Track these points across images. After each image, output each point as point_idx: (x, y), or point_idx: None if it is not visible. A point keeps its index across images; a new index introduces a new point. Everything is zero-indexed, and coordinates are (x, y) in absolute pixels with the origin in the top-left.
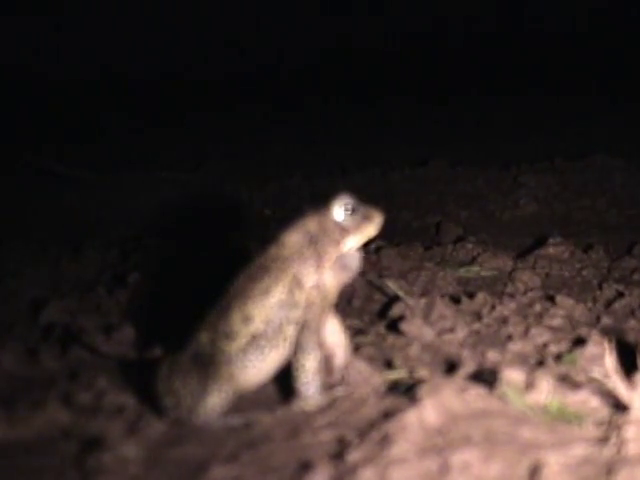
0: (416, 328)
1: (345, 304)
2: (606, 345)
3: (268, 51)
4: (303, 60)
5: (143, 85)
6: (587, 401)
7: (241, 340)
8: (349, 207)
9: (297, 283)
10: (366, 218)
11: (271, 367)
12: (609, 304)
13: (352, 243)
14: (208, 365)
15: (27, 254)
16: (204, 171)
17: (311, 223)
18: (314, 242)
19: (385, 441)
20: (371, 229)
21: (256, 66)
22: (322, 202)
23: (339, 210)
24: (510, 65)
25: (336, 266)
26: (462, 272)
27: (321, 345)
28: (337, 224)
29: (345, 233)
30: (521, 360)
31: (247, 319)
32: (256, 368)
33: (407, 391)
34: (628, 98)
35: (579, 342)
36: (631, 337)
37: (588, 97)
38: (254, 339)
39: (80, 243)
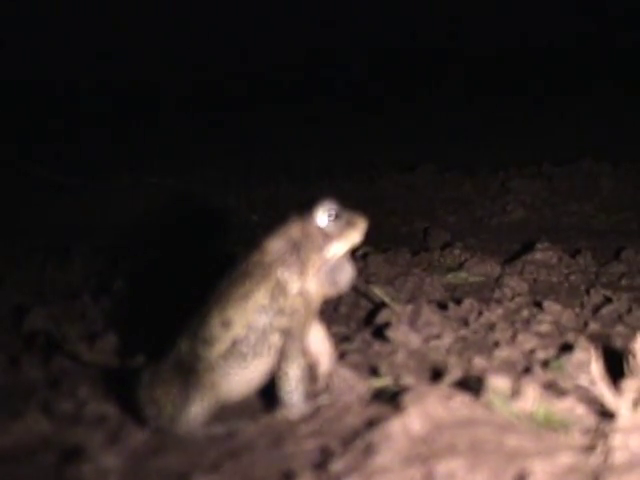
0: (402, 335)
1: (331, 311)
2: (592, 352)
3: (254, 57)
4: (290, 65)
5: (130, 90)
6: (573, 408)
7: (220, 346)
8: (332, 213)
9: (281, 290)
10: (350, 224)
11: (255, 376)
12: (597, 309)
13: (336, 249)
14: (189, 373)
15: (11, 260)
16: (191, 177)
17: (294, 229)
18: (297, 248)
19: (369, 450)
20: (355, 235)
21: (242, 72)
22: (305, 208)
23: (322, 216)
24: (497, 70)
25: (325, 278)
26: (449, 278)
27: (305, 353)
28: (320, 230)
29: (328, 239)
30: (508, 367)
31: (226, 324)
32: (239, 376)
33: (392, 399)
34: (615, 103)
35: (566, 348)
36: (618, 343)
37: (575, 101)
38: (235, 345)
39: (66, 250)
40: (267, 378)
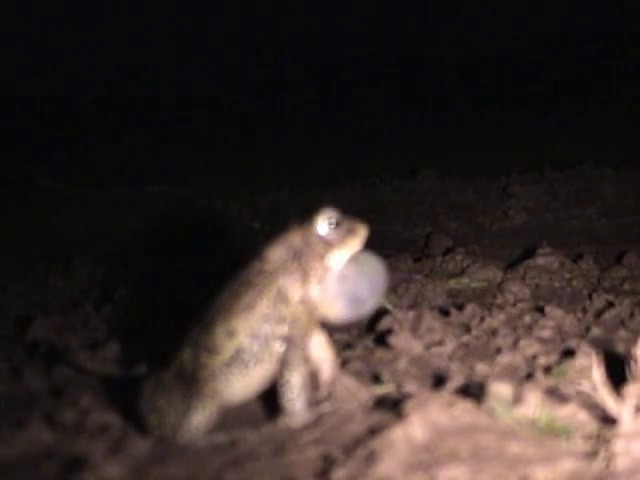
0: (404, 341)
1: None
2: (594, 357)
3: (253, 66)
4: (289, 74)
5: (130, 100)
6: (575, 414)
7: (225, 355)
8: (333, 220)
9: (282, 298)
10: (350, 231)
11: (257, 382)
12: (599, 314)
13: (337, 257)
14: (192, 382)
15: (13, 270)
16: (192, 185)
17: (294, 237)
18: (298, 257)
19: (371, 458)
20: (356, 242)
21: (243, 81)
22: (305, 216)
23: (323, 224)
24: (497, 75)
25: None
26: (451, 284)
27: (307, 360)
28: (321, 238)
29: (329, 247)
30: (510, 373)
31: (231, 333)
32: (240, 382)
33: (394, 406)
34: (616, 107)
35: (568, 353)
36: (621, 348)
37: (576, 106)
38: (238, 354)
39: (68, 259)
40: (268, 384)
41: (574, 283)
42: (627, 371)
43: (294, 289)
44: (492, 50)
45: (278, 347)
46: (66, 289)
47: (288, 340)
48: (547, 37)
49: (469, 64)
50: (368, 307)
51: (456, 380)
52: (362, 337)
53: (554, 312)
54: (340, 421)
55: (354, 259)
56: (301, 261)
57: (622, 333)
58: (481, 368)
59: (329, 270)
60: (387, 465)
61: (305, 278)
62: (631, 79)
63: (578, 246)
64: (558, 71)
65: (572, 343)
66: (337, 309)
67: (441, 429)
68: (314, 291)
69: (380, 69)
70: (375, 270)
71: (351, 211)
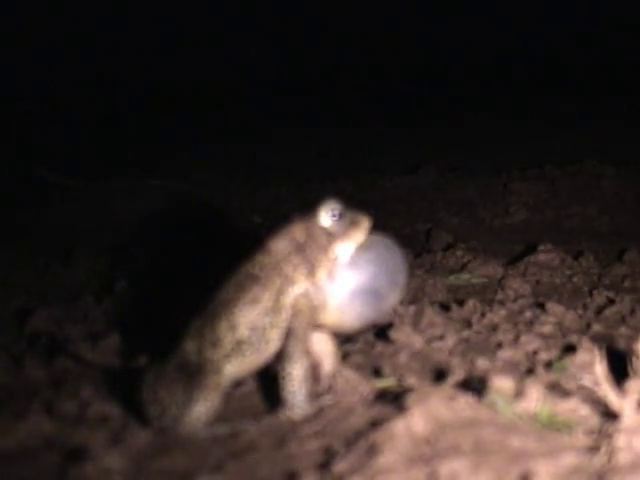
0: (405, 336)
1: None
2: (596, 352)
3: (256, 62)
4: (291, 71)
5: (132, 93)
6: (577, 409)
7: (227, 347)
8: (336, 213)
9: (283, 289)
10: (353, 223)
11: (250, 368)
12: (600, 311)
13: (341, 250)
14: (194, 374)
15: (14, 262)
16: (193, 179)
17: (297, 230)
18: (302, 249)
19: (372, 451)
20: (359, 235)
21: (245, 76)
22: (309, 208)
23: (326, 216)
24: (498, 72)
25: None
26: (452, 279)
27: (308, 353)
28: (324, 230)
29: (332, 239)
30: (511, 368)
31: (233, 327)
32: (236, 370)
33: (395, 400)
34: (618, 104)
35: (569, 349)
36: (622, 344)
37: (578, 103)
38: (238, 345)
39: (68, 251)
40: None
41: (575, 280)
42: (629, 367)
43: (299, 281)
44: (493, 49)
45: (274, 335)
46: (66, 280)
47: (290, 332)
48: (548, 36)
49: (470, 63)
50: (390, 301)
51: (457, 374)
52: (363, 331)
53: (555, 308)
54: (341, 414)
55: (365, 247)
56: (305, 253)
57: (623, 330)
58: (482, 363)
59: (334, 263)
60: (388, 458)
61: (310, 271)
62: (632, 77)
63: (579, 243)
64: (559, 68)
65: (573, 339)
66: (355, 309)
67: (442, 422)
68: (323, 288)
69: (380, 64)
70: (391, 256)
71: (352, 206)
